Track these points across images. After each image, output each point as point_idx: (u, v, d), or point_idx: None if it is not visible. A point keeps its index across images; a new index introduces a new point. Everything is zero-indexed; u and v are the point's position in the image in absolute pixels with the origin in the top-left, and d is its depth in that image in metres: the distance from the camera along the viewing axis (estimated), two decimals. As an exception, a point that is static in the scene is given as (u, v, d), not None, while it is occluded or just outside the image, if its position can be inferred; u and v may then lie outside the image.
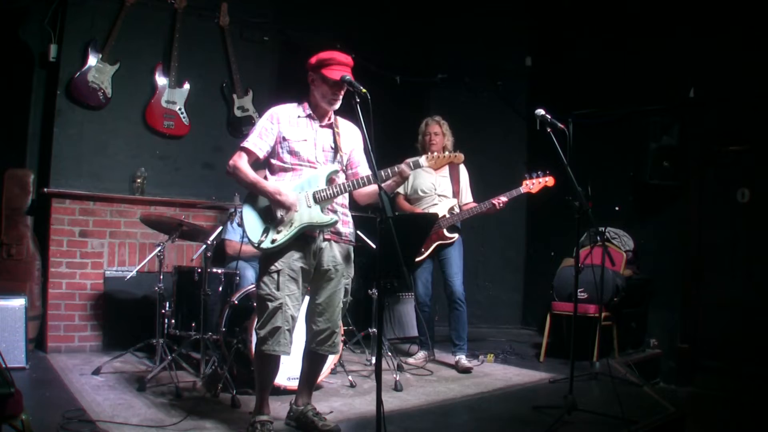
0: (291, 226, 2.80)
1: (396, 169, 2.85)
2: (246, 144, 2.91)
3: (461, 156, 3.12)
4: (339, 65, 2.81)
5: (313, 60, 2.88)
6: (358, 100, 2.58)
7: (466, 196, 4.78)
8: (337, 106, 2.92)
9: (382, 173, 2.81)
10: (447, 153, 3.04)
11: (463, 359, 4.58)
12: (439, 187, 4.70)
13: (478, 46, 6.71)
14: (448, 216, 4.61)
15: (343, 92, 2.86)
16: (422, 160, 2.90)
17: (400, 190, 4.74)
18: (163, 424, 3.00)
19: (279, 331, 2.79)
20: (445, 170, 4.74)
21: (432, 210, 4.62)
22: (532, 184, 4.35)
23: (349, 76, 2.70)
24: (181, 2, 5.13)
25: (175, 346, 4.02)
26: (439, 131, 4.74)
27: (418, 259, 4.62)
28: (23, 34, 4.80)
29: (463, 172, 4.81)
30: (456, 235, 4.65)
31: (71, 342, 4.71)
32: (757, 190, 5.31)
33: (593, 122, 5.75)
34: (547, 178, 4.36)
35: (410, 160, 2.88)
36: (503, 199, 4.41)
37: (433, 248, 4.64)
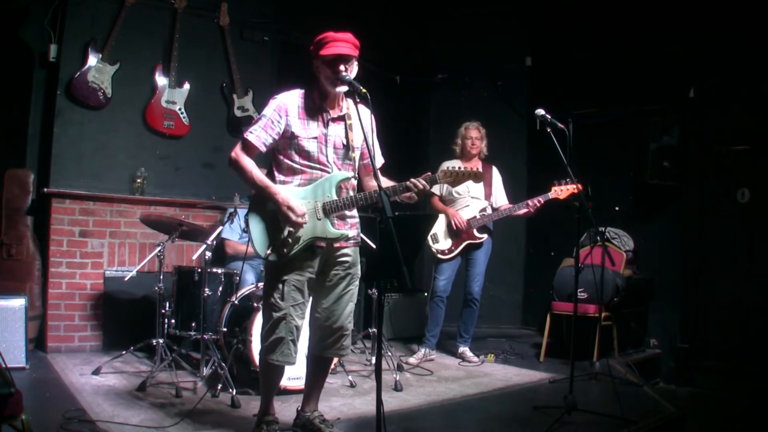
0: (300, 240, 2.70)
1: (408, 184, 2.71)
2: (249, 137, 2.73)
3: (482, 175, 3.03)
4: (334, 41, 2.66)
5: (311, 47, 2.73)
6: (359, 101, 2.57)
7: (500, 198, 4.93)
8: (341, 88, 2.69)
9: (398, 186, 2.70)
10: (465, 170, 2.90)
11: (468, 351, 4.88)
12: (473, 189, 4.81)
13: (478, 46, 6.71)
14: (478, 217, 4.76)
15: (343, 68, 2.64)
16: (438, 176, 2.80)
17: (435, 190, 4.88)
18: (163, 425, 3.00)
19: (283, 342, 2.75)
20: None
21: (464, 211, 4.80)
22: (560, 191, 4.38)
23: (349, 76, 2.62)
24: (181, 2, 5.13)
25: (175, 346, 4.02)
26: (479, 135, 4.90)
27: (446, 257, 4.79)
28: (23, 34, 4.79)
29: (496, 175, 4.96)
30: (485, 236, 4.81)
31: (71, 342, 4.71)
32: (757, 190, 5.31)
33: (593, 122, 5.75)
34: (575, 186, 4.30)
35: (426, 177, 2.75)
36: (540, 200, 4.50)
37: (463, 247, 4.78)
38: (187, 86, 5.19)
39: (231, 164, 2.78)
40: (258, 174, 2.73)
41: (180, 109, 5.17)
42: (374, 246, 4.08)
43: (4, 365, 2.39)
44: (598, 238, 4.36)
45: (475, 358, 4.83)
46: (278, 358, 2.76)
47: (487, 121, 6.76)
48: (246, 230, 2.81)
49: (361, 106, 2.63)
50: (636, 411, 3.47)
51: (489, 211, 4.84)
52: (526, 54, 6.81)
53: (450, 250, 4.79)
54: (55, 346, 4.62)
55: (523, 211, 4.61)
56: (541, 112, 3.52)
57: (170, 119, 5.14)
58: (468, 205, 4.83)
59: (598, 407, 3.43)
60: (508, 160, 6.54)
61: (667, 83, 5.67)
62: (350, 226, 2.89)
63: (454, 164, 4.81)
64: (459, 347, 4.92)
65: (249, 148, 2.75)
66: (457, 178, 2.88)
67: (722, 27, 5.34)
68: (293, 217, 2.65)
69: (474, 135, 4.89)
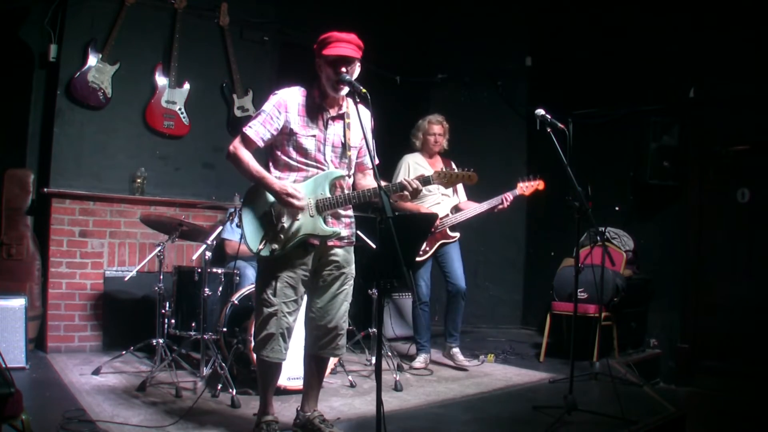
0: (292, 236, 2.71)
1: (404, 183, 2.72)
2: (248, 132, 2.74)
3: (475, 176, 3.02)
4: (338, 42, 2.66)
5: (316, 45, 2.73)
6: (358, 100, 2.58)
7: (462, 194, 4.79)
8: (342, 91, 2.71)
9: (392, 185, 2.71)
10: (460, 172, 2.90)
11: (459, 353, 4.66)
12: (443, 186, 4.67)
13: (478, 46, 6.71)
14: (451, 216, 4.62)
15: (345, 69, 2.64)
16: (432, 177, 2.80)
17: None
18: (163, 424, 3.00)
19: (273, 338, 2.75)
20: (441, 167, 4.69)
21: (435, 208, 4.60)
22: (526, 187, 4.42)
23: (348, 77, 2.63)
24: (181, 2, 5.13)
25: (175, 346, 4.02)
26: (442, 131, 4.70)
27: (421, 259, 4.60)
28: (23, 34, 4.80)
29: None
30: (458, 234, 4.66)
31: (71, 342, 4.71)
32: (757, 190, 5.31)
33: (593, 122, 5.76)
34: (537, 182, 4.43)
35: (420, 177, 2.77)
36: (505, 198, 4.43)
37: (436, 247, 4.62)
38: (187, 86, 5.20)
39: (229, 157, 2.79)
40: (256, 166, 2.74)
41: (180, 109, 5.17)
42: (374, 246, 4.08)
43: (4, 365, 2.38)
44: (598, 238, 4.36)
45: (466, 361, 4.65)
46: (269, 354, 2.77)
47: (487, 121, 6.79)
48: (239, 225, 2.81)
49: (360, 105, 2.63)
50: (636, 411, 3.47)
51: (463, 210, 4.67)
52: (526, 54, 6.81)
53: (424, 251, 4.57)
54: (55, 346, 4.62)
55: (486, 208, 4.50)
56: (541, 112, 3.51)
57: (170, 119, 5.14)
58: (439, 203, 4.63)
59: (598, 407, 3.43)
60: (508, 160, 6.56)
61: (667, 83, 5.68)
62: (345, 225, 2.89)
63: (416, 158, 4.71)
64: (451, 347, 4.69)
65: (247, 143, 2.76)
66: (450, 180, 2.86)
67: (722, 27, 5.34)
68: (295, 202, 2.67)
69: (437, 131, 4.68)
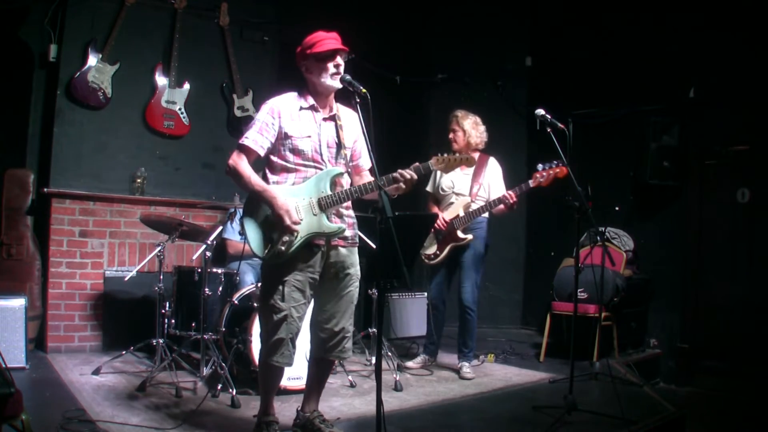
0: (296, 237, 2.70)
1: (396, 176, 2.70)
2: (246, 142, 2.73)
3: (473, 158, 2.99)
4: (326, 39, 2.72)
5: (299, 49, 2.78)
6: (359, 101, 2.58)
7: (496, 191, 4.38)
8: (338, 83, 2.70)
9: (384, 178, 2.70)
10: (457, 155, 2.86)
11: (466, 367, 4.41)
12: (457, 184, 4.42)
13: (478, 46, 6.72)
14: (461, 215, 4.33)
15: (342, 60, 2.71)
16: (431, 163, 2.80)
17: (429, 189, 4.58)
18: (163, 424, 3.00)
19: (283, 343, 2.74)
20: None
21: (449, 209, 4.40)
22: (542, 177, 3.99)
23: (348, 76, 2.63)
24: (181, 2, 5.13)
25: (175, 346, 4.02)
26: (457, 128, 4.43)
27: (433, 262, 4.45)
28: (23, 34, 4.81)
29: (493, 167, 4.48)
30: (470, 236, 4.33)
31: (71, 342, 4.71)
32: (757, 190, 5.31)
33: (593, 122, 5.76)
34: (558, 169, 3.92)
35: (418, 165, 2.76)
36: (511, 193, 4.12)
37: (449, 250, 4.38)
38: (187, 86, 5.20)
39: (229, 172, 2.77)
40: (256, 179, 2.75)
41: (180, 109, 5.17)
42: (374, 246, 4.08)
43: (4, 365, 2.39)
44: (598, 238, 4.35)
45: (469, 374, 4.38)
46: (279, 359, 2.76)
47: (487, 121, 6.75)
48: (242, 233, 2.81)
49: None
50: (636, 411, 3.48)
51: (474, 207, 4.34)
52: (526, 54, 6.81)
53: (435, 255, 4.41)
54: (55, 346, 4.63)
55: (497, 207, 4.17)
56: (541, 112, 3.51)
57: (170, 119, 5.14)
58: (452, 203, 4.42)
59: (598, 407, 3.43)
60: (508, 160, 6.50)
61: (667, 83, 5.67)
62: (347, 226, 2.89)
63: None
64: (459, 362, 4.48)
65: (247, 153, 2.76)
66: (449, 164, 2.85)
67: (722, 27, 5.34)
68: (287, 220, 2.66)
69: (451, 127, 4.45)
